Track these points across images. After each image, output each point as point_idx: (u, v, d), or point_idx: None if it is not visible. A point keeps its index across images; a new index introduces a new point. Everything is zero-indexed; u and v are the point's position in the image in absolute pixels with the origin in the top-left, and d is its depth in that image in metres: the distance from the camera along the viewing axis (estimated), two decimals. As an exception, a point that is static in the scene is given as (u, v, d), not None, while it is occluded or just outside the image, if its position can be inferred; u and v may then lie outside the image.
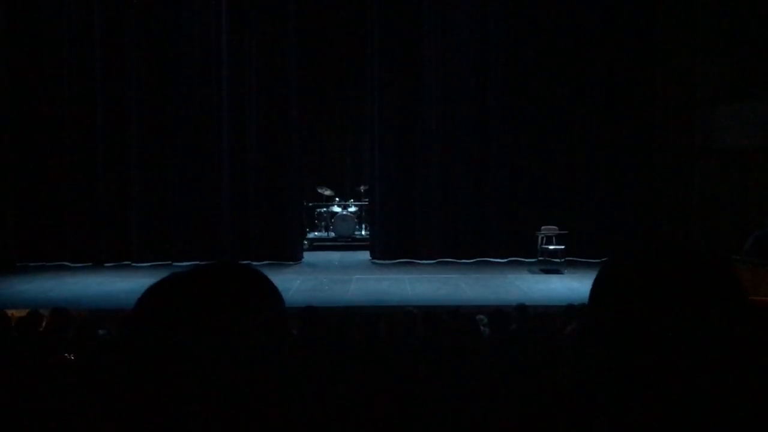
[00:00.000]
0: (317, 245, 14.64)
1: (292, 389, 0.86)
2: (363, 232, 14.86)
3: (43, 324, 5.71)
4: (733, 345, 0.86)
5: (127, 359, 0.82)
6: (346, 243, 14.54)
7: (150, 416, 0.79)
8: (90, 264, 12.47)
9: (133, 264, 12.48)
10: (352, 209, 15.09)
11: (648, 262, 0.94)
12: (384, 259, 12.77)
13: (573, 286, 10.17)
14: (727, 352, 0.85)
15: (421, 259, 12.76)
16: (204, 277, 0.88)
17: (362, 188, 15.23)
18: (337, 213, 14.89)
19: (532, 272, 11.61)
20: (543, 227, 11.82)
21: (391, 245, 12.91)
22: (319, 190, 15.43)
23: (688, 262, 0.92)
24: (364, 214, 14.99)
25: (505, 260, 12.71)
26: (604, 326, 0.93)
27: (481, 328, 5.45)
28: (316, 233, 15.31)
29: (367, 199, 14.49)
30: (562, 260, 11.57)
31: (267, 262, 12.55)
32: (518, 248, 12.70)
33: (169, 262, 12.35)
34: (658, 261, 0.93)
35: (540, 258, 11.80)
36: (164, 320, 0.82)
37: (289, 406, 0.85)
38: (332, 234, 14.86)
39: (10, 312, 6.44)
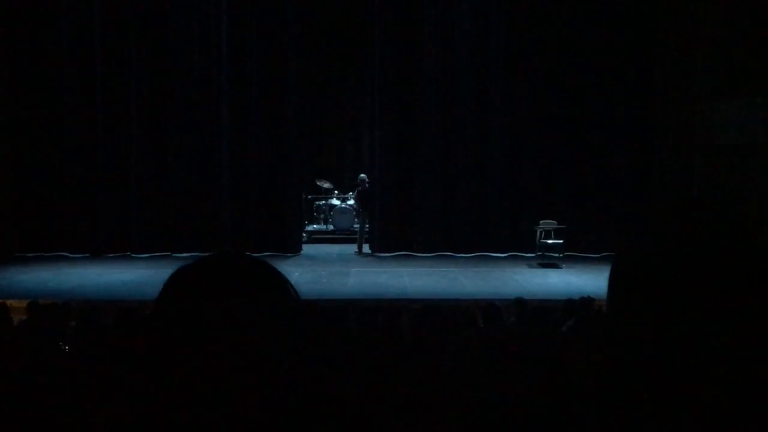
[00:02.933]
0: (316, 238, 14.64)
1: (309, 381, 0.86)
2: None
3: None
4: None
5: (151, 358, 0.82)
6: (344, 236, 14.54)
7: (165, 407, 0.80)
8: (89, 254, 12.47)
9: (133, 255, 12.48)
10: (351, 202, 15.09)
11: (675, 248, 0.81)
12: (382, 252, 12.78)
13: (571, 280, 10.19)
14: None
15: (419, 253, 12.77)
16: (224, 268, 0.89)
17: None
18: (335, 206, 14.89)
19: (531, 267, 11.63)
20: (542, 222, 11.82)
21: (390, 238, 12.92)
22: (318, 183, 15.42)
23: (726, 252, 0.79)
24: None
25: (505, 255, 12.72)
26: (629, 326, 0.83)
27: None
28: (314, 226, 15.31)
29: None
30: (561, 255, 11.58)
31: (266, 253, 12.54)
32: (517, 243, 12.71)
33: (169, 253, 12.36)
34: (691, 251, 0.80)
35: (539, 252, 11.81)
36: (188, 311, 0.83)
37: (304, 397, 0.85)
38: (331, 227, 14.86)
39: (9, 302, 6.45)
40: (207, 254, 0.92)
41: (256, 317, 0.84)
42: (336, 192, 15.43)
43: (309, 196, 15.34)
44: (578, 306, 5.90)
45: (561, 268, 11.36)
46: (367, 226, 13.31)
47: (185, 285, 0.86)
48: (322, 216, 15.29)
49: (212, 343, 0.81)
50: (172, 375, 0.80)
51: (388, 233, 12.94)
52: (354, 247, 13.40)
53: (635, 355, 0.82)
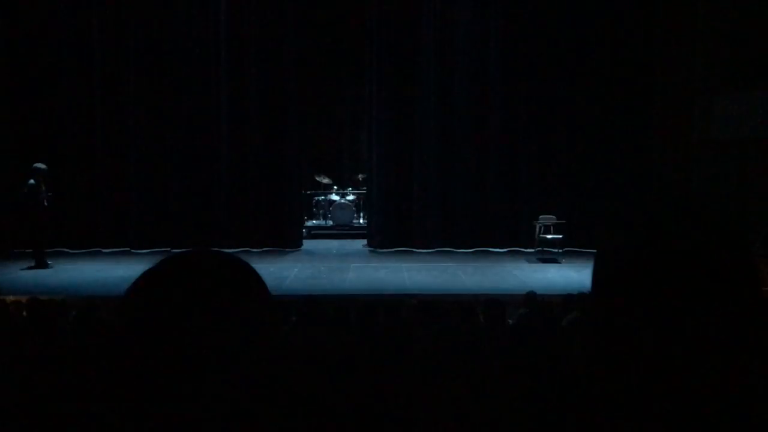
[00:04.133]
0: (315, 233, 14.64)
1: (282, 380, 0.85)
2: (361, 221, 14.86)
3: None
4: (749, 341, 0.79)
5: (121, 355, 0.81)
6: (344, 231, 14.54)
7: (145, 407, 0.78)
8: (88, 250, 12.46)
9: (132, 250, 12.48)
10: (351, 197, 15.08)
11: (656, 248, 0.84)
12: (382, 248, 12.78)
13: (570, 275, 10.19)
14: (742, 348, 0.79)
15: (418, 248, 12.77)
16: (190, 266, 0.87)
17: (360, 176, 15.22)
18: (335, 201, 14.89)
19: (530, 262, 11.63)
20: (541, 217, 11.83)
21: (389, 234, 12.91)
22: (318, 179, 15.41)
23: (701, 249, 0.82)
24: (362, 202, 14.98)
25: (504, 250, 12.72)
26: (608, 319, 0.85)
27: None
28: (314, 221, 15.30)
29: (365, 188, 14.47)
30: (560, 250, 11.59)
31: (266, 249, 12.57)
32: (517, 238, 12.72)
33: (168, 249, 12.33)
34: (667, 248, 0.83)
35: (538, 248, 11.81)
36: (156, 311, 0.82)
37: (280, 397, 0.84)
38: (330, 222, 14.86)
39: (8, 298, 6.45)
40: (175, 252, 0.91)
41: (225, 314, 0.82)
42: (335, 187, 15.42)
43: (308, 192, 15.34)
44: (577, 300, 5.90)
45: (560, 263, 11.37)
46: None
47: (153, 285, 0.85)
48: (321, 211, 15.28)
49: (181, 342, 0.79)
50: (140, 375, 0.79)
51: (387, 229, 12.94)
52: (354, 243, 13.41)
53: (618, 350, 0.83)
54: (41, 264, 10.75)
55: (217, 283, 0.85)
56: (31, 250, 10.97)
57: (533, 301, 6.38)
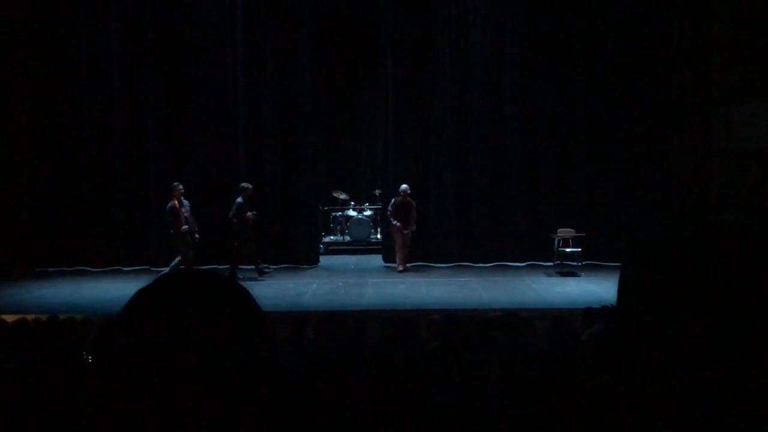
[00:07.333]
0: (333, 249, 14.65)
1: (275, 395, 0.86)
2: (378, 236, 14.84)
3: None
4: None
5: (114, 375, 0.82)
6: (361, 247, 14.53)
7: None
8: (110, 269, 12.56)
9: (152, 269, 12.54)
10: (368, 213, 15.08)
11: (683, 260, 0.82)
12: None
13: (590, 288, 10.09)
14: None
15: (436, 263, 12.71)
16: (175, 288, 0.89)
17: (377, 192, 15.22)
18: (352, 217, 14.90)
19: (549, 275, 11.54)
20: (559, 230, 11.75)
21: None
22: (335, 194, 15.43)
23: (728, 261, 0.80)
24: (379, 218, 14.97)
25: (523, 264, 12.63)
26: (636, 332, 0.84)
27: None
28: (331, 237, 15.32)
29: (381, 204, 14.47)
30: (580, 263, 11.49)
31: (283, 265, 12.57)
32: (536, 251, 12.63)
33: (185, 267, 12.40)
34: (694, 260, 0.81)
35: (557, 261, 11.72)
36: (146, 333, 0.83)
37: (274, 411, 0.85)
38: (348, 238, 14.86)
39: (29, 317, 6.49)
40: (165, 272, 0.93)
41: (216, 331, 0.83)
42: (352, 203, 15.43)
43: (325, 208, 15.36)
44: (600, 314, 5.81)
45: (580, 276, 11.26)
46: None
47: (146, 305, 0.86)
48: (338, 227, 15.30)
49: (174, 360, 0.80)
50: (137, 392, 0.80)
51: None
52: (372, 259, 13.40)
53: (642, 362, 0.83)
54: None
55: (207, 301, 0.86)
56: (54, 270, 11.08)
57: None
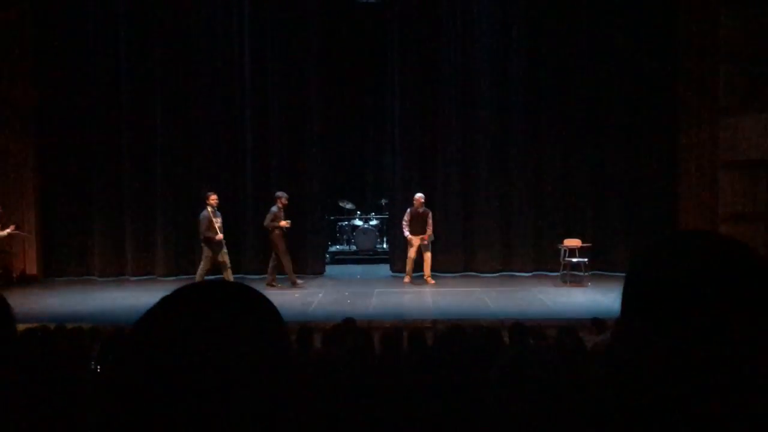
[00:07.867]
0: (339, 259, 14.65)
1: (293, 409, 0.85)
2: (385, 246, 14.84)
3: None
4: None
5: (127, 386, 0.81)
6: (367, 256, 14.53)
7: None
8: (116, 278, 12.60)
9: (158, 278, 12.58)
10: (374, 222, 15.09)
11: (687, 272, 0.82)
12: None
13: (597, 299, 10.07)
14: None
15: (442, 273, 12.69)
16: (201, 297, 0.88)
17: (383, 201, 15.22)
18: (358, 226, 14.90)
19: (556, 285, 11.51)
20: (566, 240, 11.73)
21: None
22: (341, 204, 15.45)
23: (732, 272, 0.80)
24: (385, 227, 14.97)
25: (529, 274, 12.61)
26: (639, 342, 0.85)
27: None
28: (337, 247, 15.32)
29: (388, 213, 14.47)
30: (586, 273, 11.46)
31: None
32: (542, 261, 12.62)
33: (193, 276, 12.41)
34: (698, 271, 0.81)
35: (563, 271, 11.69)
36: (165, 342, 0.82)
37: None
38: (354, 247, 14.86)
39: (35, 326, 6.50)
40: (188, 283, 0.92)
41: (239, 341, 0.82)
42: (358, 213, 15.44)
43: (331, 217, 15.37)
44: (608, 324, 5.80)
45: (587, 286, 11.23)
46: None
47: (167, 314, 0.86)
48: (344, 237, 15.30)
49: (195, 369, 0.79)
50: (153, 402, 0.79)
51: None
52: (378, 268, 13.39)
53: (643, 374, 0.83)
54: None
55: (229, 311, 0.85)
56: (61, 279, 11.10)
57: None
